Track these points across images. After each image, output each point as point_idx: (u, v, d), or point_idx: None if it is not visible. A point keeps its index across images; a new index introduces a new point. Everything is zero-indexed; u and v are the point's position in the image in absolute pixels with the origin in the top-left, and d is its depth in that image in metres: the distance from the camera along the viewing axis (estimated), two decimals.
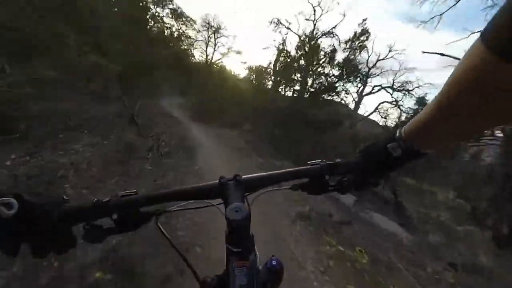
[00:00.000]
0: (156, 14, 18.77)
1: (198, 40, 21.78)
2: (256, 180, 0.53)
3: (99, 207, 0.43)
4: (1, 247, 0.35)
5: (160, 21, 18.87)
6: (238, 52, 21.89)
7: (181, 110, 12.29)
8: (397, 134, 0.48)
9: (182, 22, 20.86)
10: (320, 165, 0.55)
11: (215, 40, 21.59)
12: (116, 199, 0.45)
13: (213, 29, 21.36)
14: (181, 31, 21.03)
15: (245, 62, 21.78)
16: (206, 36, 21.69)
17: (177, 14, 20.26)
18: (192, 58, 22.32)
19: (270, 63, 17.06)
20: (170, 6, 19.59)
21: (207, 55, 22.01)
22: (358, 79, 15.49)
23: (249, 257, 0.42)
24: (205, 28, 21.38)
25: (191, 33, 21.49)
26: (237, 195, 0.47)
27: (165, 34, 19.37)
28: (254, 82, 16.94)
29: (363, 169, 0.54)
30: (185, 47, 21.60)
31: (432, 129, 0.41)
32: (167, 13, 19.71)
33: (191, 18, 21.07)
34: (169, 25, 19.79)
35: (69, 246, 0.42)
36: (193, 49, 22.12)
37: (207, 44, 21.79)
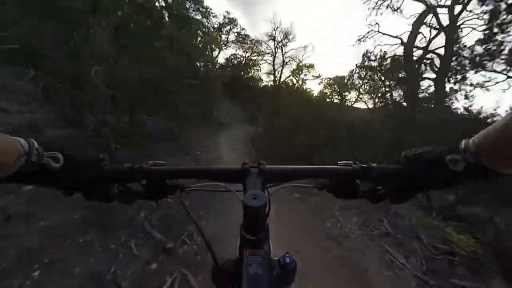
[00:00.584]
0: (222, 44, 18.32)
1: (264, 57, 19.89)
2: (279, 171, 0.51)
3: (131, 172, 0.47)
4: (58, 189, 0.43)
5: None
6: (310, 66, 19.05)
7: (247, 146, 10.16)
8: (462, 146, 0.39)
9: (248, 46, 19.89)
10: (352, 167, 0.50)
11: (283, 56, 19.47)
12: (146, 167, 0.48)
13: (281, 37, 19.17)
14: (247, 56, 20.02)
15: (318, 76, 18.08)
16: (273, 49, 19.70)
17: (242, 38, 19.44)
18: (260, 82, 20.83)
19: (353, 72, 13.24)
20: (235, 30, 18.93)
21: (275, 74, 19.96)
22: None
23: (263, 247, 0.42)
24: (271, 38, 19.49)
25: (255, 57, 20.17)
26: (257, 183, 0.47)
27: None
28: (336, 97, 13.43)
29: (406, 179, 0.46)
30: (252, 72, 20.36)
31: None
32: (232, 40, 19.04)
33: (256, 40, 19.90)
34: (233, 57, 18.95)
35: (108, 200, 0.47)
36: (260, 72, 20.63)
37: (274, 59, 19.82)
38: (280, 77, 19.93)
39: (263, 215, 0.41)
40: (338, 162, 0.51)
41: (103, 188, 0.47)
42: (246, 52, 20.17)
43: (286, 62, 19.76)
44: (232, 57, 20.09)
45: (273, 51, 19.76)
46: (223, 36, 18.51)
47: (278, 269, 0.44)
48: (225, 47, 18.83)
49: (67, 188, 0.43)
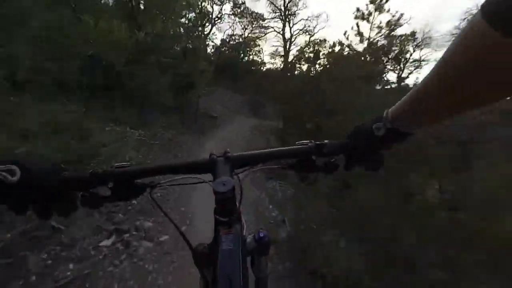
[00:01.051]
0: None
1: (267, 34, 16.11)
2: (245, 157, 0.54)
3: (95, 176, 0.45)
4: (9, 208, 0.38)
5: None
6: (321, 42, 15.38)
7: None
8: (384, 115, 0.48)
9: (247, 21, 16.33)
10: (308, 146, 0.54)
11: (290, 29, 15.81)
12: (111, 170, 0.47)
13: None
14: (247, 35, 16.48)
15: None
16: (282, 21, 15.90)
17: (241, 11, 15.85)
18: (262, 66, 17.36)
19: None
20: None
21: (286, 48, 16.18)
22: None
23: (235, 226, 0.44)
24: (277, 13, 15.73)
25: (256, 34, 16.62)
26: (225, 170, 0.49)
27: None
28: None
29: (350, 150, 0.54)
30: (253, 54, 16.86)
31: (419, 108, 0.40)
32: (227, 12, 15.29)
33: (257, 13, 16.30)
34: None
35: (70, 210, 0.45)
36: (262, 53, 17.10)
37: (283, 35, 16.17)
38: (287, 56, 16.33)
39: (232, 198, 0.44)
40: (297, 142, 0.56)
41: (64, 199, 0.44)
42: (245, 29, 16.64)
43: (297, 34, 15.97)
44: (228, 37, 16.55)
45: (282, 16, 15.81)
46: (216, 8, 14.84)
47: (254, 243, 0.50)
48: (219, 21, 15.18)
49: (22, 204, 0.39)
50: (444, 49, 0.33)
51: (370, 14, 12.02)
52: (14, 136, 2.61)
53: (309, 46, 15.19)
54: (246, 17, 16.34)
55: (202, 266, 0.48)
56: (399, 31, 12.67)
